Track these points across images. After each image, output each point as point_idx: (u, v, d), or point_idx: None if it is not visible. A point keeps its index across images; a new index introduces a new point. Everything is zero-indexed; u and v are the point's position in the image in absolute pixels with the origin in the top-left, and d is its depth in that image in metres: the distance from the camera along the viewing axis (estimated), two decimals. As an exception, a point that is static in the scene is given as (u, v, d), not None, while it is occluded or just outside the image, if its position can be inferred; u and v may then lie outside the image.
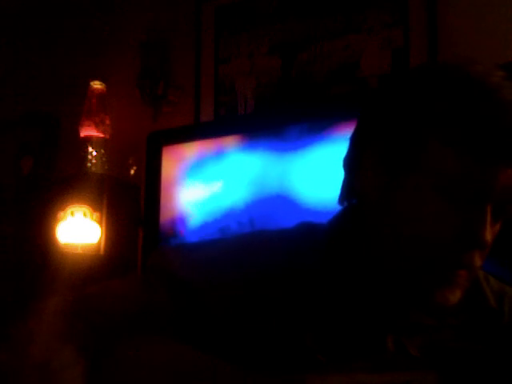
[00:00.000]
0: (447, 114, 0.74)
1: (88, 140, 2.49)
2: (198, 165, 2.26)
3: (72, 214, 2.36)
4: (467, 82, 0.75)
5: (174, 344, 0.76)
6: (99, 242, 2.39)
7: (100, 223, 2.39)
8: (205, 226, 2.22)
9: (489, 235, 0.75)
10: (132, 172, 2.53)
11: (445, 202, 0.75)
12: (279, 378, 0.70)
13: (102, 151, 2.50)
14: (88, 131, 2.49)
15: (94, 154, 2.49)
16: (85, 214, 2.36)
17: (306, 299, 0.80)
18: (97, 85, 2.53)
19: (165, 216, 2.30)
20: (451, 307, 0.77)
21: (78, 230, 2.36)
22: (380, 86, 0.88)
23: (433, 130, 0.75)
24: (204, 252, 0.86)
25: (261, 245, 0.86)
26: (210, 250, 0.87)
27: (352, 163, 0.84)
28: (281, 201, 2.09)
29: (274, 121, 2.20)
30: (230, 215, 2.17)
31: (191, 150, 2.29)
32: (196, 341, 0.77)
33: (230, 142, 2.21)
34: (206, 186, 2.24)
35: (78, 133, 2.51)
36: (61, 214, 2.38)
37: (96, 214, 2.38)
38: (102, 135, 2.50)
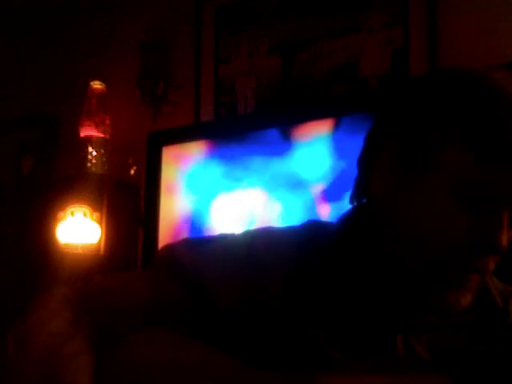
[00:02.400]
0: (464, 117, 0.74)
1: (88, 140, 2.49)
2: (198, 165, 2.26)
3: (72, 214, 2.36)
4: (489, 88, 0.75)
5: (179, 340, 0.76)
6: (99, 242, 2.39)
7: (100, 223, 2.39)
8: (205, 226, 2.22)
9: (505, 241, 0.74)
10: (132, 172, 2.53)
11: (462, 206, 0.74)
12: (289, 377, 0.70)
13: (102, 151, 2.50)
14: (88, 131, 2.49)
15: (94, 154, 2.48)
16: (85, 214, 2.36)
17: (313, 298, 0.80)
18: (97, 85, 2.53)
19: (165, 216, 2.30)
20: (462, 310, 0.77)
21: (78, 229, 2.36)
22: (398, 87, 0.88)
23: (453, 133, 0.74)
24: (214, 248, 0.86)
25: (270, 242, 0.85)
26: (220, 245, 0.86)
27: (366, 163, 0.83)
28: (282, 201, 2.09)
29: (274, 121, 2.20)
30: (230, 215, 2.17)
31: (191, 150, 2.29)
32: (205, 336, 0.77)
33: (229, 142, 2.21)
34: (206, 186, 2.24)
35: (78, 133, 2.51)
36: (61, 214, 2.38)
37: (96, 214, 2.38)
38: (102, 135, 2.50)
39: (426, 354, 0.79)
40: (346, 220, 0.87)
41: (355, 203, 0.87)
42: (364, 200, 0.86)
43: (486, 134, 0.73)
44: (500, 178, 0.73)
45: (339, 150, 1.96)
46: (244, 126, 2.28)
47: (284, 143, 2.11)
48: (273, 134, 2.13)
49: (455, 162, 0.74)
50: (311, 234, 0.86)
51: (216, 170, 2.22)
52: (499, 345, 0.81)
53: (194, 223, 2.25)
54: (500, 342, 0.81)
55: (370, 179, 0.82)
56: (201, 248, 0.85)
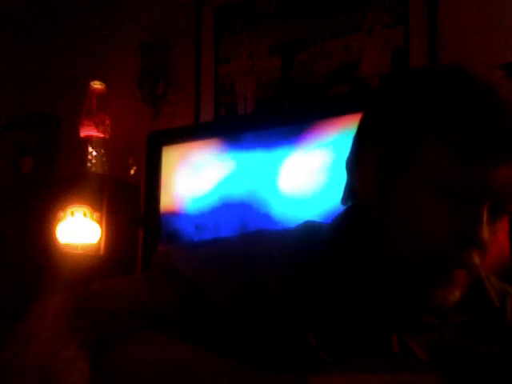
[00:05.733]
0: (443, 113, 0.74)
1: (88, 140, 2.49)
2: (198, 165, 2.26)
3: (72, 214, 2.36)
4: (464, 81, 0.76)
5: (175, 343, 0.76)
6: (99, 242, 2.39)
7: (100, 223, 2.39)
8: (205, 226, 2.22)
9: (486, 234, 0.75)
10: (132, 172, 2.53)
11: (442, 202, 0.75)
12: (282, 378, 0.70)
13: (102, 151, 2.50)
14: (88, 131, 2.49)
15: (94, 154, 2.49)
16: (85, 214, 2.36)
17: (309, 298, 0.80)
18: (97, 85, 2.53)
19: (165, 216, 2.30)
20: (450, 306, 0.77)
21: (78, 229, 2.36)
22: (379, 87, 0.89)
23: (429, 129, 0.75)
24: (208, 250, 0.86)
25: (264, 244, 0.86)
26: (215, 248, 0.87)
27: (352, 164, 0.84)
28: (282, 200, 2.09)
29: (274, 121, 2.20)
30: (230, 215, 2.17)
31: (191, 150, 2.29)
32: (199, 339, 0.77)
33: (229, 142, 2.21)
34: (206, 185, 2.24)
35: (78, 133, 2.51)
36: (61, 214, 2.38)
37: (96, 214, 2.38)
38: (102, 135, 2.50)
39: (423, 354, 0.79)
40: (339, 221, 0.88)
41: (347, 204, 0.87)
42: (355, 201, 0.86)
43: (462, 131, 0.73)
44: (477, 173, 0.73)
45: (338, 150, 1.96)
46: (244, 125, 2.28)
47: (284, 143, 2.11)
48: (273, 134, 2.13)
49: (434, 159, 0.74)
50: (305, 235, 0.87)
51: (216, 169, 2.22)
52: (497, 345, 0.81)
53: (194, 223, 2.25)
54: (498, 341, 0.81)
55: (357, 180, 0.82)
56: (196, 251, 0.86)
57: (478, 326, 0.83)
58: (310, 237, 0.86)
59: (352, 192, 0.85)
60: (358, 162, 0.82)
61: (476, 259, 0.76)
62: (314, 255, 0.83)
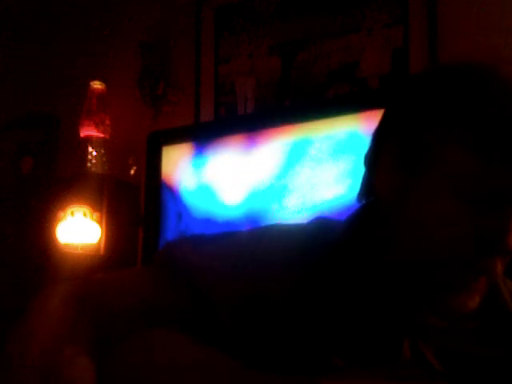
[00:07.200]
0: (468, 117, 0.72)
1: (88, 140, 2.49)
2: (198, 165, 2.26)
3: (72, 214, 2.36)
4: (488, 84, 0.74)
5: (180, 340, 0.76)
6: (99, 242, 2.39)
7: (100, 223, 2.39)
8: (205, 226, 2.22)
9: None
10: (132, 172, 2.53)
11: (464, 205, 0.72)
12: (292, 380, 0.69)
13: (102, 151, 2.50)
14: (88, 131, 2.49)
15: (94, 154, 2.49)
16: (85, 214, 2.36)
17: (318, 299, 0.79)
18: (97, 85, 2.53)
19: (165, 216, 2.30)
20: (469, 313, 0.76)
21: (78, 229, 2.36)
22: (401, 84, 0.86)
23: (453, 132, 0.73)
24: (216, 245, 0.85)
25: (274, 240, 0.84)
26: (222, 243, 0.85)
27: (371, 161, 0.82)
28: (282, 199, 2.09)
29: (274, 121, 2.20)
30: (230, 215, 2.17)
31: (191, 150, 2.29)
32: (204, 337, 0.77)
33: (230, 142, 2.21)
34: (206, 186, 2.23)
35: (78, 133, 2.51)
36: (61, 214, 2.38)
37: (96, 214, 2.38)
38: (102, 135, 2.50)
39: (435, 360, 0.77)
40: (353, 219, 0.85)
41: (363, 202, 0.85)
42: (371, 199, 0.84)
43: (486, 133, 0.71)
44: (503, 178, 0.71)
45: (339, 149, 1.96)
46: (244, 126, 2.28)
47: (284, 143, 2.10)
48: (273, 133, 2.13)
49: (456, 161, 0.72)
50: (318, 232, 0.84)
51: (216, 169, 2.22)
52: (510, 350, 0.78)
53: (194, 223, 2.25)
54: (511, 347, 0.79)
55: (375, 178, 0.81)
56: (202, 248, 0.84)
57: (490, 331, 0.80)
58: (320, 235, 0.84)
59: (368, 190, 0.83)
60: (376, 161, 0.80)
61: (498, 266, 0.74)
62: (323, 254, 0.81)
